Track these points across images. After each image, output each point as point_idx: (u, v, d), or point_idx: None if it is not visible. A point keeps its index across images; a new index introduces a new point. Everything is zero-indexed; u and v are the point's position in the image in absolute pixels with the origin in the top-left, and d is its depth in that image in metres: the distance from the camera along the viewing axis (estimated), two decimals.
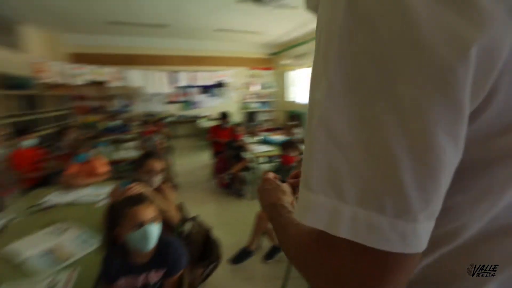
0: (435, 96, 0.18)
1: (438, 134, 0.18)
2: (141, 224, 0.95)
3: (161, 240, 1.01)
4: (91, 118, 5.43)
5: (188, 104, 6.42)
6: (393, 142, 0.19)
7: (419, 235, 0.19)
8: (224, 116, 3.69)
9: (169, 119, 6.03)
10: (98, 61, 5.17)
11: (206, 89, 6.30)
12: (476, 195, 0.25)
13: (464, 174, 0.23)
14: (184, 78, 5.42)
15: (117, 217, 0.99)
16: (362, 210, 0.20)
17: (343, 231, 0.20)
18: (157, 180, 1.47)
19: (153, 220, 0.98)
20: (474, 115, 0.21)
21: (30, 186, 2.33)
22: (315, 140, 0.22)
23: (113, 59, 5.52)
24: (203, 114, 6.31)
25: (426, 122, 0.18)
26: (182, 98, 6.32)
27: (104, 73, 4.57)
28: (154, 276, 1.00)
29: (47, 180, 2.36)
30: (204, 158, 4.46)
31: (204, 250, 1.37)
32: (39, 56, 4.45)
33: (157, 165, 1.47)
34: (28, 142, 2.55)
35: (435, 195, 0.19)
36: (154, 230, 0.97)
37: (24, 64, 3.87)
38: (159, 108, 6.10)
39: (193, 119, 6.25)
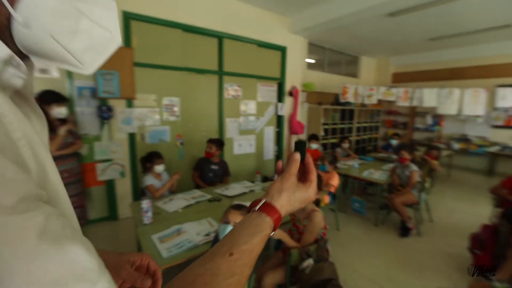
0: None
1: None
2: (226, 221, 1.22)
3: None
4: (391, 131, 6.04)
5: None
6: None
7: None
8: None
9: (489, 149, 4.90)
10: (416, 78, 5.99)
11: None
12: None
13: None
14: None
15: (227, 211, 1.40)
16: None
17: None
18: None
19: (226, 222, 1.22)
20: None
21: None
22: None
23: (432, 74, 5.78)
24: None
25: None
26: None
27: (393, 93, 4.94)
28: None
29: None
30: (481, 213, 3.12)
31: None
32: (370, 79, 6.57)
33: None
34: (314, 145, 3.57)
35: None
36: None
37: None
38: (479, 131, 5.22)
39: None
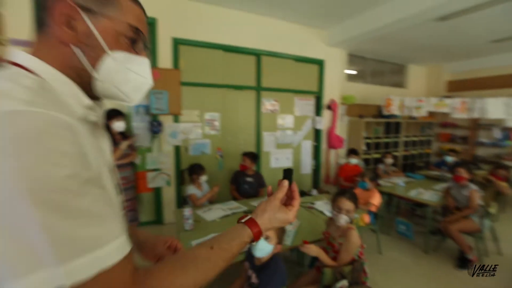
0: None
1: None
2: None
3: (273, 259, 1.14)
4: (447, 146, 5.38)
5: None
6: None
7: None
8: None
9: None
10: (477, 86, 5.21)
11: None
12: None
13: None
14: None
15: None
16: None
17: None
18: (343, 219, 1.50)
19: (266, 238, 1.11)
20: None
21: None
22: None
23: (496, 81, 4.98)
24: None
25: None
26: None
27: (446, 104, 4.35)
28: (254, 279, 1.16)
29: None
30: None
31: None
32: (419, 89, 5.97)
33: (347, 204, 1.52)
34: (354, 160, 3.55)
35: None
36: (263, 245, 1.09)
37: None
38: None
39: None
